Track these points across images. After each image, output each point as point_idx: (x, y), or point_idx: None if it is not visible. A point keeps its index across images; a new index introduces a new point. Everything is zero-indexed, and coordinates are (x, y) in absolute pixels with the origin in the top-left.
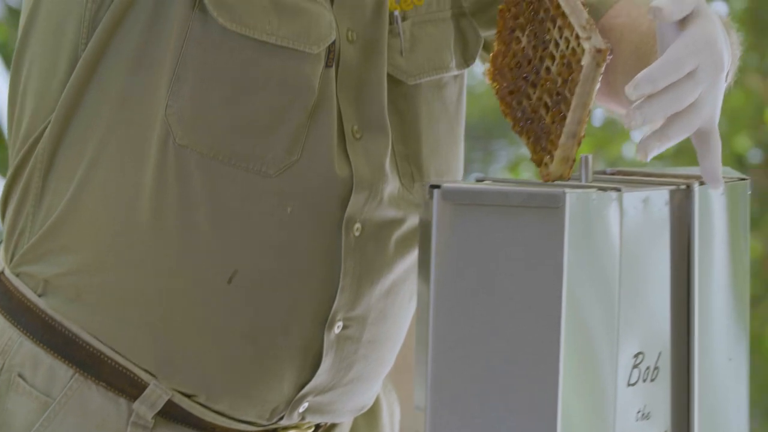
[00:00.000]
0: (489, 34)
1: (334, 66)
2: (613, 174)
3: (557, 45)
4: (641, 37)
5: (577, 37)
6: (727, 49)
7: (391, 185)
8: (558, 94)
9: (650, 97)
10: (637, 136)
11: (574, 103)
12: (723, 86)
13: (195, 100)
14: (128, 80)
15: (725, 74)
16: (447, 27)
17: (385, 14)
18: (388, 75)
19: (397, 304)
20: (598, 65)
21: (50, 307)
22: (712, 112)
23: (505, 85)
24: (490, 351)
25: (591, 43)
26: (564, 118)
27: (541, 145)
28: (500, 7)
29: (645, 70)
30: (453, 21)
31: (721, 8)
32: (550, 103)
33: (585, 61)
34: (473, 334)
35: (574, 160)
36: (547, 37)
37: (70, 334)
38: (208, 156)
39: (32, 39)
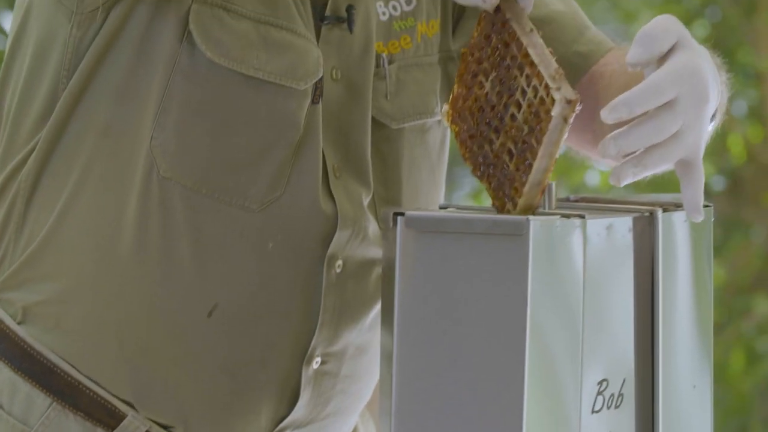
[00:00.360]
0: None
1: (320, 103)
2: (576, 201)
3: (524, 93)
4: (630, 77)
5: (547, 86)
6: (714, 84)
7: (372, 225)
8: (524, 142)
9: (628, 127)
10: (599, 164)
11: (540, 152)
12: (708, 118)
13: (180, 132)
14: (113, 111)
15: (710, 106)
16: (434, 71)
17: (371, 56)
18: (372, 118)
19: (375, 341)
20: (567, 117)
21: (29, 335)
22: (696, 143)
23: (465, 128)
24: (455, 379)
25: (561, 93)
26: (530, 166)
27: (504, 191)
28: (463, 50)
29: (622, 95)
30: (440, 65)
31: None
32: (514, 151)
33: (555, 111)
34: (437, 362)
35: (537, 208)
36: (514, 84)
37: (48, 363)
38: (192, 189)
39: (16, 63)
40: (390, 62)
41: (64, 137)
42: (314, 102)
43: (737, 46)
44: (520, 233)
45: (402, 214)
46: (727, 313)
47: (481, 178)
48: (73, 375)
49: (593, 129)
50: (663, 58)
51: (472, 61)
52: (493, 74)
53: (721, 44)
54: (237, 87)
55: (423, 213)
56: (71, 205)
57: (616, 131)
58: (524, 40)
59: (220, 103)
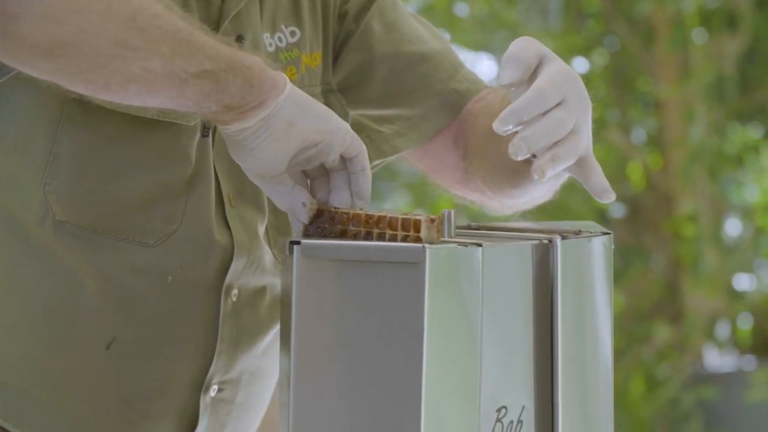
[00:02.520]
0: (356, 112)
1: (210, 135)
2: (477, 228)
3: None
4: (494, 117)
5: (404, 220)
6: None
7: (267, 253)
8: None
9: (531, 126)
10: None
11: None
12: (590, 120)
13: (74, 178)
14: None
15: (590, 110)
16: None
17: None
18: None
19: (266, 367)
20: (435, 240)
21: None
22: (588, 141)
23: None
24: (352, 406)
25: (421, 215)
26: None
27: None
28: None
29: (510, 106)
30: (323, 97)
31: (582, 64)
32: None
33: (423, 233)
34: (334, 389)
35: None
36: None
37: None
38: (89, 229)
39: None
40: None
41: None
42: (204, 135)
43: (636, 75)
44: (416, 261)
45: (298, 242)
46: (627, 339)
47: None
48: None
49: (464, 167)
50: (533, 75)
51: None
52: None
53: (621, 73)
54: (127, 129)
55: (319, 242)
56: None
57: (520, 133)
58: (359, 212)
59: (112, 147)
